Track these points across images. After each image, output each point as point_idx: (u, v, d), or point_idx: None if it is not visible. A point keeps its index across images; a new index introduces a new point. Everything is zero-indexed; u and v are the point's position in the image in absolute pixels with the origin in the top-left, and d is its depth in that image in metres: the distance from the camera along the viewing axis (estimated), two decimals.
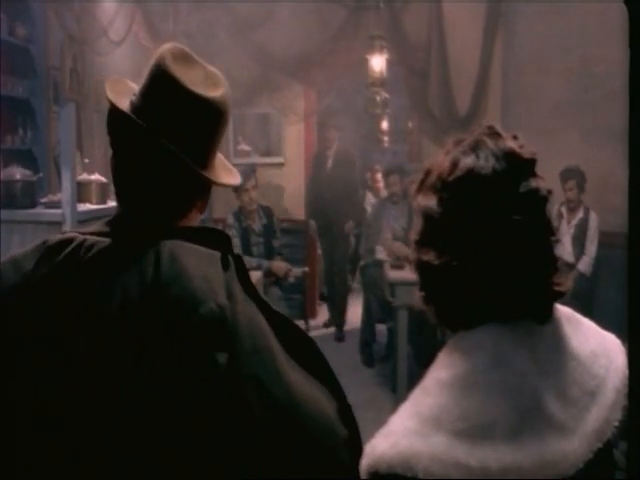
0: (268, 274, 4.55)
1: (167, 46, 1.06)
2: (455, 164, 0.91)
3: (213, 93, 1.04)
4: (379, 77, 5.31)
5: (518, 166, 0.90)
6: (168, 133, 1.00)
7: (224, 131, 1.09)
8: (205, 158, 1.07)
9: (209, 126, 1.06)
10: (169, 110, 1.03)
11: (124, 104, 1.04)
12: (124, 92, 1.07)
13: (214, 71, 1.09)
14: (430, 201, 0.92)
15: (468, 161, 0.90)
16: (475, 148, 0.91)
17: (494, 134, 0.93)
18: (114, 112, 1.04)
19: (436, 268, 0.90)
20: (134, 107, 1.04)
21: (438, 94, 5.91)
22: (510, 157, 0.90)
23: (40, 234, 2.80)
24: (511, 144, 0.92)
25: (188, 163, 1.01)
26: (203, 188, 1.09)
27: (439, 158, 0.95)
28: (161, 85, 1.03)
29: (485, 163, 0.89)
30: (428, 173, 0.95)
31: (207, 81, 1.05)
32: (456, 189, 0.90)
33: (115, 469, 0.92)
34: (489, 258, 0.88)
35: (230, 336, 0.93)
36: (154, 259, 0.96)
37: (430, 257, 0.91)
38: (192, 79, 1.03)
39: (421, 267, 0.93)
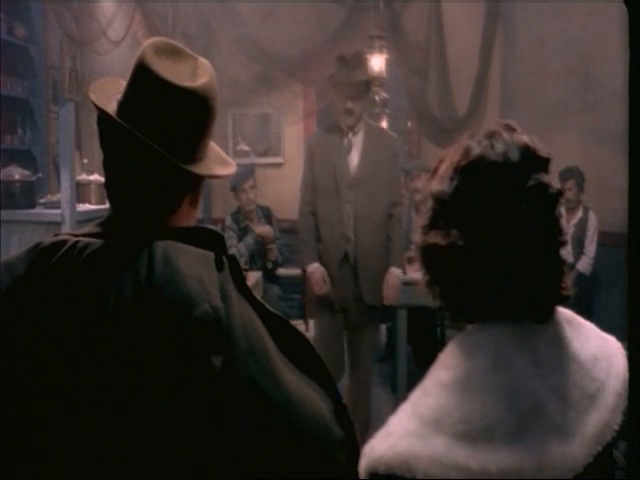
0: (259, 240, 4.58)
1: (151, 40, 1.05)
2: (468, 151, 0.92)
3: (193, 83, 1.01)
4: (378, 77, 5.30)
5: (531, 160, 0.91)
6: (149, 128, 0.99)
7: (211, 121, 1.06)
8: (192, 151, 1.04)
9: (191, 117, 1.03)
10: (149, 104, 1.01)
11: (110, 104, 1.03)
12: (113, 92, 1.05)
13: (203, 63, 1.06)
14: (442, 185, 0.93)
15: (481, 148, 0.91)
16: (490, 137, 0.93)
17: (510, 129, 0.95)
18: (98, 112, 1.03)
19: (442, 249, 0.91)
20: (119, 105, 1.03)
21: (437, 94, 5.91)
22: (524, 150, 0.91)
23: (39, 234, 2.79)
24: (526, 139, 0.93)
25: (166, 156, 0.99)
26: (191, 182, 1.06)
27: (453, 148, 0.96)
28: (141, 79, 1.01)
29: (498, 151, 0.90)
30: (441, 161, 0.96)
31: (192, 73, 1.03)
32: (468, 173, 0.91)
33: (113, 470, 0.92)
34: (494, 243, 0.88)
35: (225, 338, 0.93)
36: (147, 260, 0.96)
37: (437, 239, 0.91)
38: (173, 71, 1.01)
39: (427, 250, 0.94)
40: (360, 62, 3.37)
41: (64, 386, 0.94)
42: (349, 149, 3.37)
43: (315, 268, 3.37)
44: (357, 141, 3.38)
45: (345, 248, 3.33)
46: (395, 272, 3.39)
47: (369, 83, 3.43)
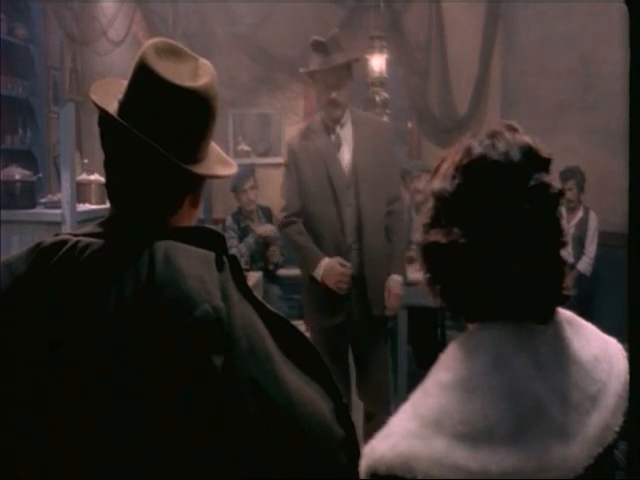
0: (259, 241, 4.59)
1: (152, 40, 1.05)
2: (470, 150, 0.92)
3: (194, 83, 1.01)
4: (379, 77, 5.30)
5: (533, 160, 0.91)
6: (150, 128, 0.99)
7: (212, 121, 1.06)
8: (193, 151, 1.04)
9: (192, 117, 1.03)
10: (149, 104, 1.01)
11: (111, 104, 1.03)
12: (114, 92, 1.05)
13: (204, 63, 1.06)
14: (444, 184, 0.93)
15: (483, 147, 0.92)
16: (492, 137, 0.93)
17: (512, 129, 0.95)
18: (99, 112, 1.03)
19: (443, 247, 0.91)
20: (120, 105, 1.03)
21: (438, 94, 5.91)
22: (525, 150, 0.91)
23: (40, 234, 2.79)
24: (528, 140, 0.93)
25: (167, 156, 0.98)
26: (191, 182, 1.06)
27: (454, 147, 0.96)
28: (141, 80, 1.01)
29: (500, 150, 0.91)
30: (443, 160, 0.97)
31: (193, 73, 1.03)
32: (469, 172, 0.91)
33: (113, 469, 0.92)
34: (495, 242, 0.88)
35: (226, 338, 0.93)
36: (148, 260, 0.96)
37: (438, 237, 0.92)
38: (174, 71, 1.01)
39: (428, 248, 0.94)
40: (338, 44, 2.92)
41: (65, 386, 0.94)
42: (338, 145, 2.97)
43: (327, 262, 2.89)
44: (345, 134, 2.98)
45: (349, 258, 2.94)
46: (397, 279, 2.99)
47: (351, 66, 2.95)
